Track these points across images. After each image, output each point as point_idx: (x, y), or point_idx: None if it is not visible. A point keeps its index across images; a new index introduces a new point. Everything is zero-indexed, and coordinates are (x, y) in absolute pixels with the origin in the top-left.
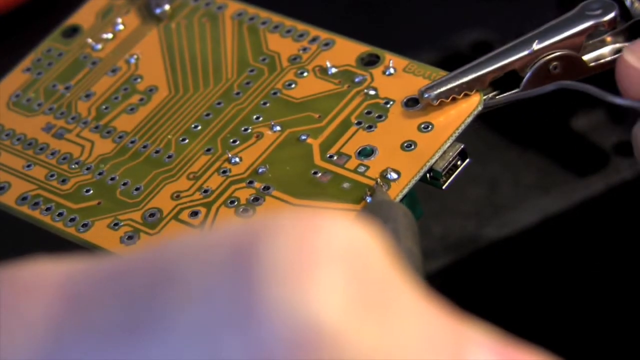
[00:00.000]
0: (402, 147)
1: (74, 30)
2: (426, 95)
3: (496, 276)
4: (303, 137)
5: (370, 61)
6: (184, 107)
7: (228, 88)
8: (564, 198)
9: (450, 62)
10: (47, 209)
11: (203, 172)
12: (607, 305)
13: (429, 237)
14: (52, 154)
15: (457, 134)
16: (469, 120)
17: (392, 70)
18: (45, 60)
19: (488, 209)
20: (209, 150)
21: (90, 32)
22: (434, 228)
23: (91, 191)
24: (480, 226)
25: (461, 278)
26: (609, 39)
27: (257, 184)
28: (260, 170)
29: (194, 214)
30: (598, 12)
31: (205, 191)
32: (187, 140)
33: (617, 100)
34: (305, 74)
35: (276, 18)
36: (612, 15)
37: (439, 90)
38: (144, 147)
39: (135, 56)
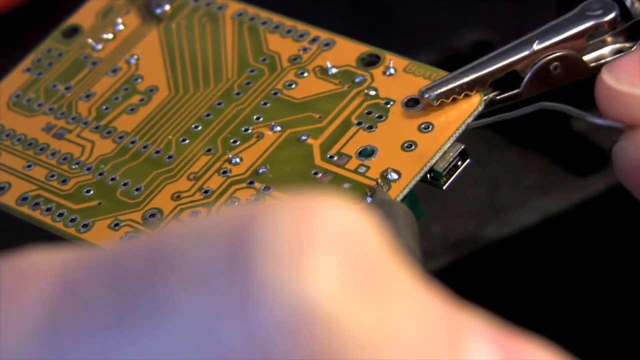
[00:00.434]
0: (403, 148)
1: (74, 31)
2: (426, 96)
3: (496, 276)
4: (303, 138)
5: (370, 61)
6: (185, 107)
7: (228, 88)
8: (564, 198)
9: (451, 62)
10: (48, 210)
11: (203, 173)
12: (607, 305)
13: (429, 237)
14: (53, 154)
15: (457, 135)
16: (469, 120)
17: (392, 71)
18: (45, 60)
19: (488, 209)
20: (209, 150)
21: (91, 32)
22: (434, 228)
23: (92, 191)
24: (480, 226)
25: (461, 278)
26: (609, 39)
27: (257, 185)
28: (260, 171)
29: (195, 214)
30: (598, 12)
31: (206, 191)
32: (187, 141)
33: (597, 121)
34: (306, 74)
35: (276, 18)
36: (612, 15)
37: (439, 91)
38: (145, 147)
39: (135, 56)
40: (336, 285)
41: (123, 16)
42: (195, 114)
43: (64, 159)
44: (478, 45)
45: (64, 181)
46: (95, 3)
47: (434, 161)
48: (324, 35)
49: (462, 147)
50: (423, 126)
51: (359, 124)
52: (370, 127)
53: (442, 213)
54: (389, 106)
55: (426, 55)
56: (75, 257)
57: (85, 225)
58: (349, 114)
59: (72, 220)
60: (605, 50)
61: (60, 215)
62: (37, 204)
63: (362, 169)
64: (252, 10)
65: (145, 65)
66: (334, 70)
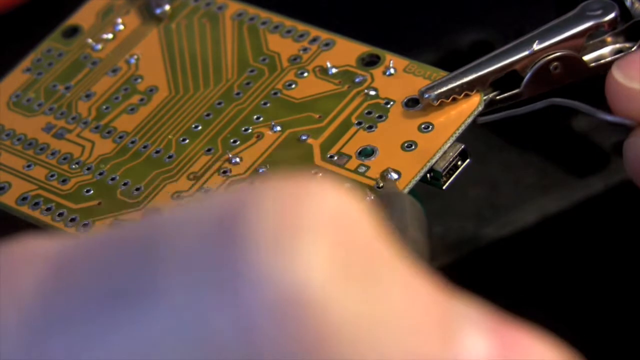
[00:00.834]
0: (403, 148)
1: (74, 30)
2: (426, 96)
3: (496, 276)
4: (303, 138)
5: (370, 61)
6: (184, 107)
7: (228, 88)
8: (564, 198)
9: (450, 62)
10: (48, 209)
11: (203, 172)
12: (607, 305)
13: (429, 237)
14: (53, 154)
15: (457, 134)
16: (469, 120)
17: (392, 71)
18: (45, 60)
19: (488, 209)
20: (209, 150)
21: (91, 32)
22: (434, 228)
23: (91, 191)
24: (480, 226)
25: (461, 278)
26: (609, 39)
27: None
28: (260, 171)
29: None
30: (598, 12)
31: (206, 191)
32: (187, 141)
33: (607, 117)
34: (306, 74)
35: (276, 18)
36: (612, 15)
37: (439, 91)
38: (145, 147)
39: (135, 56)
40: (325, 270)
41: (123, 16)
42: (195, 114)
43: (64, 158)
44: (478, 45)
45: (64, 181)
46: (95, 3)
47: (434, 161)
48: (324, 35)
49: (462, 147)
50: (423, 126)
51: (359, 124)
52: (370, 127)
53: (442, 213)
54: (389, 106)
55: (426, 55)
56: (68, 243)
57: (85, 225)
58: (349, 114)
59: (72, 219)
60: (605, 50)
61: (60, 215)
62: (37, 204)
63: (362, 169)
64: (252, 10)
65: (145, 65)
66: (334, 70)
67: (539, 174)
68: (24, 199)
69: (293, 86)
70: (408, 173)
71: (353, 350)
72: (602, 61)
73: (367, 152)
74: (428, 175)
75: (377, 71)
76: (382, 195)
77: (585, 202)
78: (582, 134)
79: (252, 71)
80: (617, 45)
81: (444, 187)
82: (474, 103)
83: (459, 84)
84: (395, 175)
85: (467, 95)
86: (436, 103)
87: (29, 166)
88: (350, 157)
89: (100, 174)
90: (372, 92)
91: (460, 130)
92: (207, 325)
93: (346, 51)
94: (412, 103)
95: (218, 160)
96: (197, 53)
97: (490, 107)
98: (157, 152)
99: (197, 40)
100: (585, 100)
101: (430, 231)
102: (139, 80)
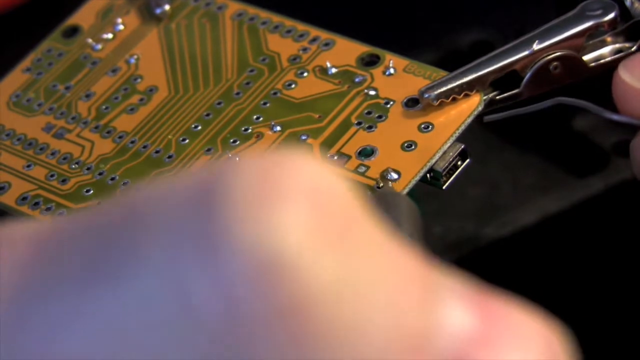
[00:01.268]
0: (403, 147)
1: (74, 30)
2: (426, 96)
3: (496, 276)
4: (303, 137)
5: (370, 61)
6: (184, 107)
7: (228, 88)
8: (564, 198)
9: (450, 62)
10: (47, 209)
11: None
12: (607, 305)
13: (429, 237)
14: (52, 154)
15: (457, 134)
16: (469, 120)
17: (392, 71)
18: (45, 60)
19: (488, 209)
20: (209, 150)
21: (90, 32)
22: (434, 228)
23: (91, 191)
24: (480, 226)
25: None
26: (609, 39)
27: None
28: None
29: None
30: (598, 12)
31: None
32: (187, 141)
33: (614, 117)
34: (306, 74)
35: (276, 18)
36: (612, 15)
37: (439, 91)
38: (144, 147)
39: (135, 56)
40: (302, 235)
41: (123, 16)
42: (195, 114)
43: (64, 158)
44: (478, 45)
45: (64, 181)
46: (95, 3)
47: (433, 161)
48: (324, 35)
49: (462, 147)
50: (423, 126)
51: (359, 123)
52: (370, 127)
53: (442, 213)
54: (388, 106)
55: (426, 55)
56: (47, 225)
57: None
58: (349, 113)
59: None
60: (605, 50)
61: (60, 215)
62: (36, 204)
63: (362, 169)
64: (252, 10)
65: (145, 65)
66: (333, 70)
67: (539, 174)
68: (24, 198)
69: (293, 86)
70: (408, 173)
71: (330, 315)
72: (602, 61)
73: (367, 152)
74: (428, 175)
75: (377, 71)
76: (378, 195)
77: (585, 202)
78: (582, 134)
79: (251, 71)
80: (617, 45)
81: (443, 187)
82: (473, 103)
83: (458, 84)
84: (395, 175)
85: (467, 95)
86: (436, 103)
87: (28, 166)
88: (350, 157)
89: (100, 174)
90: (372, 92)
91: (460, 130)
92: (188, 294)
93: (346, 51)
94: (412, 103)
95: (218, 160)
96: (197, 53)
97: (490, 107)
98: (156, 152)
99: (197, 40)
100: (591, 100)
101: (430, 231)
102: (139, 80)
